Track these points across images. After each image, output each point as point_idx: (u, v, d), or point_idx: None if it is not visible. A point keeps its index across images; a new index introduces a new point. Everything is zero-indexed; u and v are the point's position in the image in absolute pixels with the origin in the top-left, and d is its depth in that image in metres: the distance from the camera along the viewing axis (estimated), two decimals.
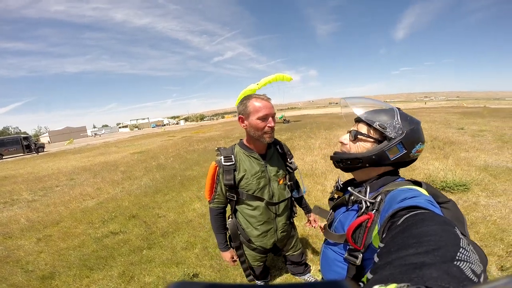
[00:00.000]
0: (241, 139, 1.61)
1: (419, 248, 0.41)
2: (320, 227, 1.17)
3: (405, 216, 0.57)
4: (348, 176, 1.04)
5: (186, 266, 2.74)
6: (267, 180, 1.54)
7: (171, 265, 2.78)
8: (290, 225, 1.81)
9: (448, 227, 0.47)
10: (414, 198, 0.65)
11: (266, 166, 1.54)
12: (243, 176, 1.49)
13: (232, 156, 1.49)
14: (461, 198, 3.81)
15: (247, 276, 1.85)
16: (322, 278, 1.03)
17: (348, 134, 0.94)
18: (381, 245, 0.56)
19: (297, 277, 2.24)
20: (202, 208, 4.34)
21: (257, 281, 1.99)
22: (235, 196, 1.53)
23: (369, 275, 0.48)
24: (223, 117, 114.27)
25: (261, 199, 1.54)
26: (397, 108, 0.90)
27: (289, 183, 1.64)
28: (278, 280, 2.37)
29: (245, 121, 1.42)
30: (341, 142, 0.96)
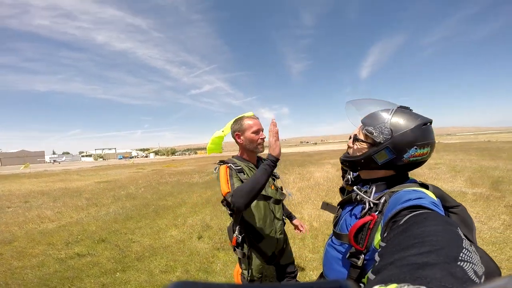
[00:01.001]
0: (233, 155, 1.81)
1: (421, 248, 0.41)
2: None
3: (407, 216, 0.57)
4: None
5: None
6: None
7: (150, 287, 2.57)
8: (284, 231, 1.92)
9: (451, 227, 0.47)
10: (418, 199, 0.64)
11: None
12: (247, 179, 1.67)
13: (237, 163, 1.70)
14: None
15: None
16: (324, 276, 1.03)
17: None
18: (382, 244, 0.56)
19: None
20: (180, 235, 4.13)
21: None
22: None
23: (370, 275, 0.48)
24: (195, 153, 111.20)
25: (269, 198, 1.73)
26: (398, 107, 0.89)
27: (278, 187, 1.88)
28: None
29: (241, 137, 1.69)
30: (348, 145, 1.01)
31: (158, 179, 12.57)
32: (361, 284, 0.78)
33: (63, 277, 2.77)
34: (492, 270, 0.63)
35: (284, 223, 1.94)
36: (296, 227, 2.06)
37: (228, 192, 1.68)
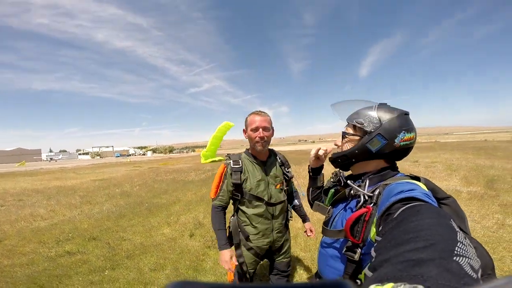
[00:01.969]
0: (247, 148, 1.84)
1: (416, 244, 0.41)
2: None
3: (401, 209, 0.57)
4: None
5: (155, 286, 2.56)
6: (266, 183, 1.73)
7: (138, 285, 2.58)
8: (285, 228, 1.92)
9: (444, 220, 0.47)
10: (411, 191, 0.65)
11: (266, 172, 1.75)
12: (246, 178, 1.70)
13: (240, 161, 1.72)
14: None
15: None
16: (320, 274, 1.02)
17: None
18: (378, 238, 0.56)
19: None
20: (172, 233, 4.14)
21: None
22: (239, 195, 1.70)
23: (367, 272, 0.48)
24: (193, 151, 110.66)
25: (261, 199, 1.70)
26: (379, 103, 0.95)
27: (285, 188, 1.84)
28: None
29: (246, 133, 1.72)
30: (336, 145, 1.04)
31: (154, 177, 12.55)
32: (358, 281, 0.78)
33: (51, 275, 2.77)
34: (486, 261, 0.65)
35: (287, 222, 1.92)
36: (305, 230, 2.07)
37: (212, 198, 1.77)
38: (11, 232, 4.33)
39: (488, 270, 0.65)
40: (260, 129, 1.64)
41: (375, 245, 0.54)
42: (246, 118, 1.71)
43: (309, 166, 1.29)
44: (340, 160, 0.97)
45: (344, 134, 0.98)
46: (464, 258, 0.36)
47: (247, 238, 1.77)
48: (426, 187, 0.76)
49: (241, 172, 1.69)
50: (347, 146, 0.96)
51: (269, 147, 1.84)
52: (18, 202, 7.06)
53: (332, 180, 1.13)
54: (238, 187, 1.69)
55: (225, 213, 1.76)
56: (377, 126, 0.86)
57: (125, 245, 3.66)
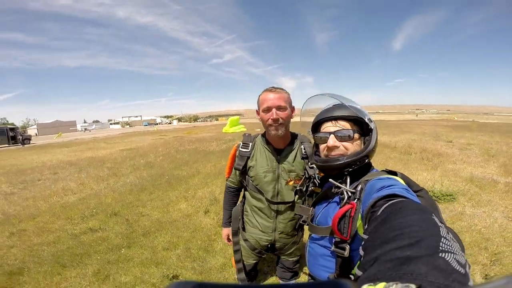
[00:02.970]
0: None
1: (402, 241, 0.41)
2: None
3: (384, 206, 0.58)
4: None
5: (166, 266, 2.62)
6: (276, 176, 1.45)
7: (150, 265, 2.65)
8: (294, 230, 1.61)
9: (427, 215, 0.48)
10: (392, 187, 0.67)
11: (278, 162, 1.45)
12: (253, 166, 1.48)
13: (250, 144, 1.50)
14: (447, 208, 3.82)
15: (238, 272, 1.72)
16: (310, 274, 1.02)
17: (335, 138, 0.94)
18: (365, 236, 0.57)
19: (281, 281, 2.15)
20: (188, 209, 4.21)
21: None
22: (244, 181, 1.56)
23: (357, 271, 0.50)
24: (216, 119, 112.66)
25: (262, 193, 1.46)
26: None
27: (299, 188, 1.45)
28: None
29: (258, 114, 1.42)
30: (334, 146, 0.92)
31: (177, 147, 12.91)
32: (351, 276, 0.79)
33: (74, 254, 2.94)
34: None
35: (300, 225, 1.48)
36: None
37: (227, 178, 1.68)
38: (44, 207, 4.67)
39: None
40: (274, 109, 1.31)
41: (362, 243, 0.55)
42: (259, 96, 1.40)
43: None
44: (360, 162, 0.88)
45: (349, 134, 0.90)
46: (449, 254, 0.36)
47: (244, 229, 1.64)
48: (404, 181, 0.77)
49: (248, 158, 1.48)
50: (355, 146, 0.91)
51: (295, 132, 1.52)
52: (53, 176, 7.62)
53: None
54: (242, 174, 1.52)
55: (237, 195, 1.70)
56: (374, 125, 0.91)
57: (142, 222, 3.79)
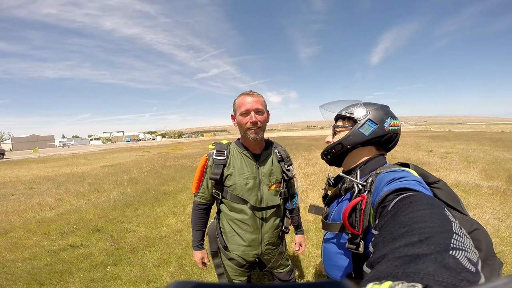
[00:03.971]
0: (238, 138, 1.52)
1: (412, 237, 0.40)
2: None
3: (394, 201, 0.57)
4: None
5: (158, 284, 2.44)
6: (257, 182, 1.41)
7: (140, 284, 2.46)
8: (279, 239, 1.58)
9: (438, 210, 0.46)
10: (402, 179, 0.66)
11: (258, 168, 1.43)
12: (231, 174, 1.39)
13: (225, 151, 1.41)
14: None
15: None
16: (327, 276, 1.01)
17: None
18: (375, 232, 0.56)
19: None
20: (178, 224, 4.02)
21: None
22: (220, 193, 1.43)
23: (365, 268, 0.47)
24: (202, 135, 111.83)
25: (245, 202, 1.39)
26: (362, 102, 1.00)
27: (282, 191, 1.49)
28: None
29: (235, 119, 1.39)
30: (327, 141, 1.03)
31: (162, 163, 12.55)
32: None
33: (52, 271, 2.69)
34: (488, 243, 0.67)
35: (282, 233, 1.59)
36: (295, 244, 1.72)
37: (194, 193, 1.52)
38: (18, 223, 4.31)
39: (489, 256, 0.66)
40: (252, 113, 1.29)
41: (372, 240, 0.54)
42: (234, 101, 1.36)
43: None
44: (335, 149, 0.96)
45: (335, 127, 0.99)
46: (460, 252, 0.35)
47: (225, 248, 1.49)
48: (417, 173, 0.77)
49: (224, 166, 1.38)
50: (340, 137, 0.96)
51: (267, 138, 1.52)
52: (28, 191, 7.13)
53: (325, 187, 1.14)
54: (218, 184, 1.40)
55: (208, 212, 1.54)
56: (365, 114, 0.91)
57: (129, 238, 3.56)
